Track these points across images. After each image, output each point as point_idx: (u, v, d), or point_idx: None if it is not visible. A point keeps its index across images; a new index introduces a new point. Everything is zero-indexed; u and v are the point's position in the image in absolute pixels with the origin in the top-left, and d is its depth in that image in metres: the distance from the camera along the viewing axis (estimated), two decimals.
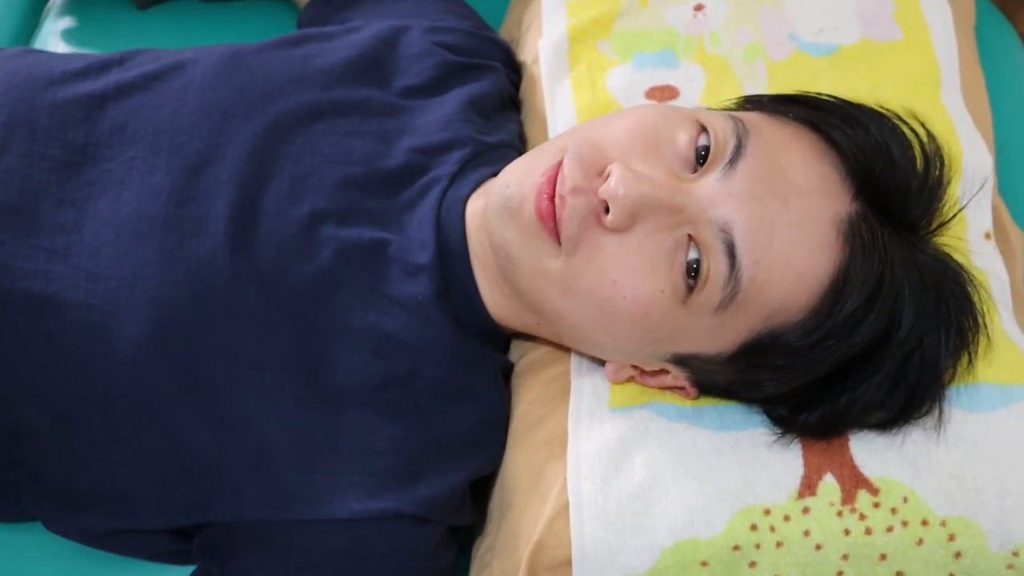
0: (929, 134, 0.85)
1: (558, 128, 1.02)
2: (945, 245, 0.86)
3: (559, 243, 0.79)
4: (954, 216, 0.85)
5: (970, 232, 0.95)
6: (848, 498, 0.79)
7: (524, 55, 1.11)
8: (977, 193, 0.93)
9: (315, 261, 0.85)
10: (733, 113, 0.82)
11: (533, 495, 0.85)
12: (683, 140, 0.79)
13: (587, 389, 0.89)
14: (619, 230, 0.77)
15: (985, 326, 0.84)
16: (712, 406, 0.86)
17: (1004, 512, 0.79)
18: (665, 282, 0.77)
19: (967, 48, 1.05)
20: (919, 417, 0.82)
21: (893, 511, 0.79)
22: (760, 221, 0.76)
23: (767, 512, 0.79)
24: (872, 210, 0.80)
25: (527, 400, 0.91)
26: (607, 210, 0.77)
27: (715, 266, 0.76)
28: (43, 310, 0.83)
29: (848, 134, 0.81)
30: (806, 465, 0.81)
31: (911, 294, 0.79)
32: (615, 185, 0.76)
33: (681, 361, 0.83)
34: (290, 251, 0.85)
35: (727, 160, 0.78)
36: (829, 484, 0.80)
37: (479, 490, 0.92)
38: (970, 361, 0.84)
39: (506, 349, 0.96)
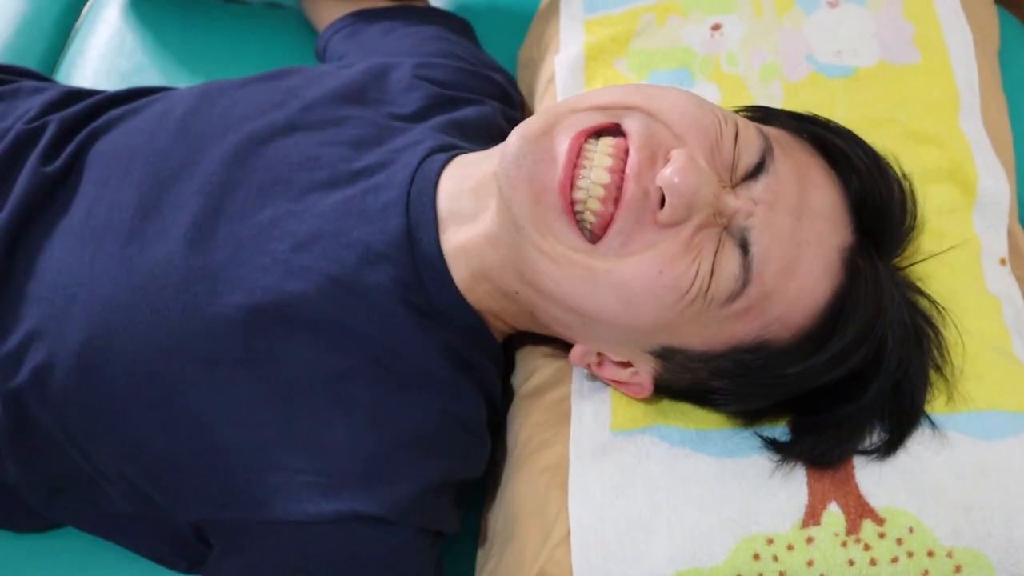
0: (903, 174, 0.89)
1: None
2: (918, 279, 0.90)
3: (600, 238, 0.78)
4: (904, 247, 0.89)
5: (984, 257, 0.94)
6: (853, 528, 0.79)
7: (542, 74, 1.11)
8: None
9: (271, 255, 0.85)
10: (762, 127, 0.83)
11: (535, 521, 0.85)
12: (727, 146, 0.80)
13: (588, 413, 0.88)
14: (674, 224, 0.77)
15: (948, 360, 0.86)
16: (716, 431, 0.86)
17: (1012, 543, 0.78)
18: (704, 269, 0.78)
19: (988, 72, 1.04)
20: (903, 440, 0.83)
21: (899, 541, 0.79)
22: (775, 231, 0.78)
23: (770, 541, 0.79)
24: (865, 243, 0.82)
25: (530, 424, 0.91)
26: (662, 203, 0.77)
27: (730, 258, 0.78)
28: (4, 324, 0.85)
29: (853, 166, 0.83)
30: (811, 494, 0.80)
31: (898, 327, 0.82)
32: (675, 178, 0.75)
33: (664, 354, 0.82)
34: (248, 247, 0.85)
35: (753, 171, 0.80)
36: (834, 513, 0.80)
37: (477, 503, 0.92)
38: (949, 397, 0.85)
39: (500, 362, 0.94)
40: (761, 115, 0.89)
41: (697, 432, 0.85)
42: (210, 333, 0.82)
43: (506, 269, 0.82)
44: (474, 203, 0.85)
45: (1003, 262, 0.95)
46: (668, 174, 0.76)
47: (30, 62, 1.27)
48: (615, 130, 0.79)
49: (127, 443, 0.83)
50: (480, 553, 0.92)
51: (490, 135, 1.01)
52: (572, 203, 0.77)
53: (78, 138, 0.93)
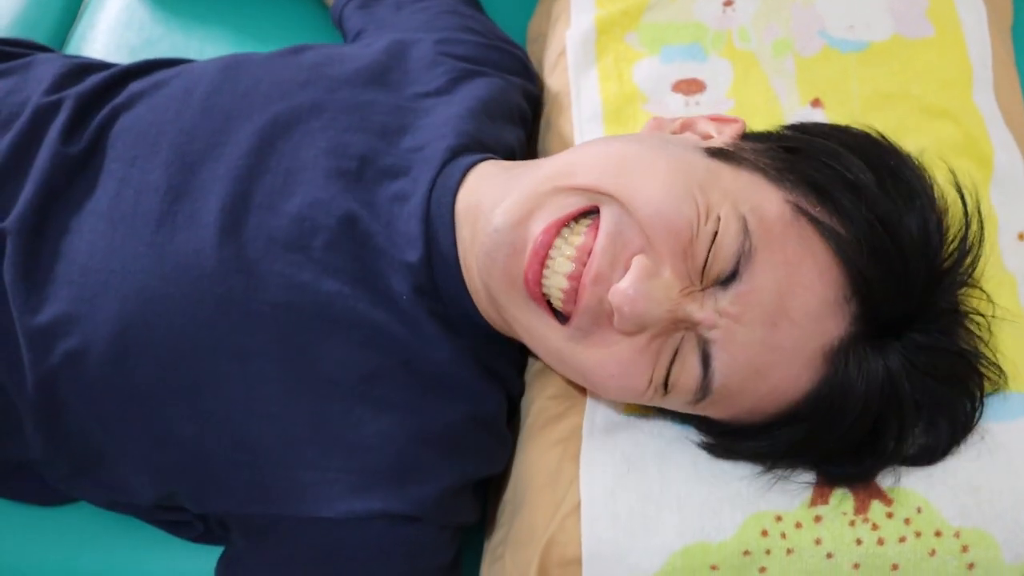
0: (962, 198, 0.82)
1: (583, 119, 1.01)
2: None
3: (557, 320, 0.80)
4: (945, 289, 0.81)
5: (1002, 235, 0.93)
6: (861, 508, 0.79)
7: (551, 48, 1.10)
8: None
9: (304, 251, 0.85)
10: (752, 218, 0.76)
11: (546, 492, 0.85)
12: (701, 249, 0.76)
13: None
14: (628, 334, 0.78)
15: (979, 416, 0.82)
16: None
17: (1019, 524, 0.78)
18: (658, 376, 0.78)
19: (1001, 48, 1.03)
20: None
21: (906, 521, 0.79)
22: (740, 345, 0.76)
23: (778, 519, 0.79)
24: (867, 326, 0.77)
25: (544, 396, 0.92)
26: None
27: (689, 372, 0.78)
28: (32, 300, 0.84)
29: (863, 242, 0.76)
30: (819, 473, 0.80)
31: (894, 409, 0.78)
32: (620, 300, 0.75)
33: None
34: (279, 241, 0.85)
35: (725, 279, 0.76)
36: (842, 493, 0.80)
37: (491, 483, 0.93)
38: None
39: (514, 355, 0.94)
40: (792, 145, 0.82)
41: None
42: (245, 328, 0.82)
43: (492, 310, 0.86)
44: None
45: (1021, 237, 0.94)
46: (620, 289, 0.75)
47: (39, 36, 1.27)
48: (594, 210, 0.79)
49: (157, 432, 0.83)
50: (490, 521, 0.93)
51: (511, 114, 1.01)
52: (541, 292, 0.79)
53: (99, 116, 0.92)
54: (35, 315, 0.84)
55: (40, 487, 0.94)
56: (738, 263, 0.75)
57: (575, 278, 0.78)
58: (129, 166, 0.89)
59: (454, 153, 0.91)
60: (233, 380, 0.82)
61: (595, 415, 0.87)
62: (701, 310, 0.76)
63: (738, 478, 0.81)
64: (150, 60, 1.01)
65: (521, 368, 0.95)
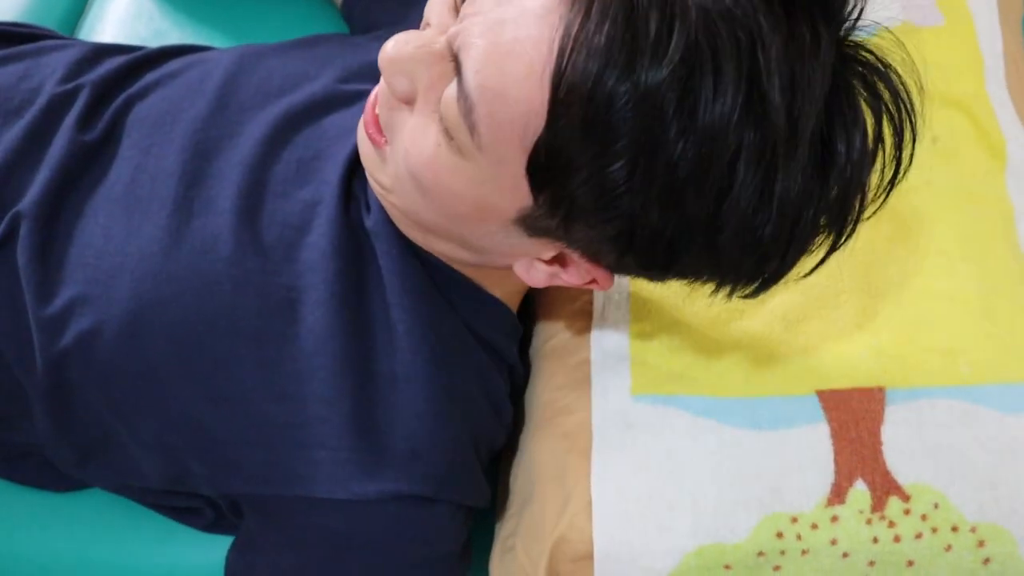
0: None
1: None
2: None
3: (386, 144, 0.78)
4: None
5: (1019, 221, 0.92)
6: (878, 505, 0.79)
7: None
8: None
9: (315, 232, 0.85)
10: None
11: (556, 487, 0.85)
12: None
13: (609, 380, 0.88)
14: (404, 100, 0.75)
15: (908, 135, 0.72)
16: (740, 399, 0.85)
17: None
18: (437, 131, 0.73)
19: (1011, 39, 1.02)
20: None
21: (923, 518, 0.78)
22: (483, 32, 0.68)
23: (794, 520, 0.79)
24: None
25: (551, 387, 0.91)
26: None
27: (449, 89, 0.71)
28: (47, 287, 0.85)
29: None
30: (837, 471, 0.80)
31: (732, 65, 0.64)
32: (380, 55, 0.74)
33: (531, 229, 0.76)
34: (294, 226, 0.85)
35: None
36: (859, 491, 0.79)
37: (499, 469, 0.92)
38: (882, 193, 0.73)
39: (517, 334, 0.94)
40: None
41: (720, 401, 0.84)
42: (261, 311, 0.83)
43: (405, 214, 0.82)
44: None
45: None
46: (381, 53, 0.74)
47: (48, 26, 1.26)
48: None
49: (171, 413, 0.84)
50: (499, 510, 0.93)
51: None
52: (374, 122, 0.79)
53: (115, 104, 0.93)
54: (49, 297, 0.84)
55: (48, 472, 0.95)
56: None
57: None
58: (144, 153, 0.89)
59: None
60: (248, 362, 0.82)
61: (604, 409, 0.86)
62: (448, 31, 0.72)
63: (753, 478, 0.80)
64: (164, 47, 1.01)
65: (518, 339, 0.94)
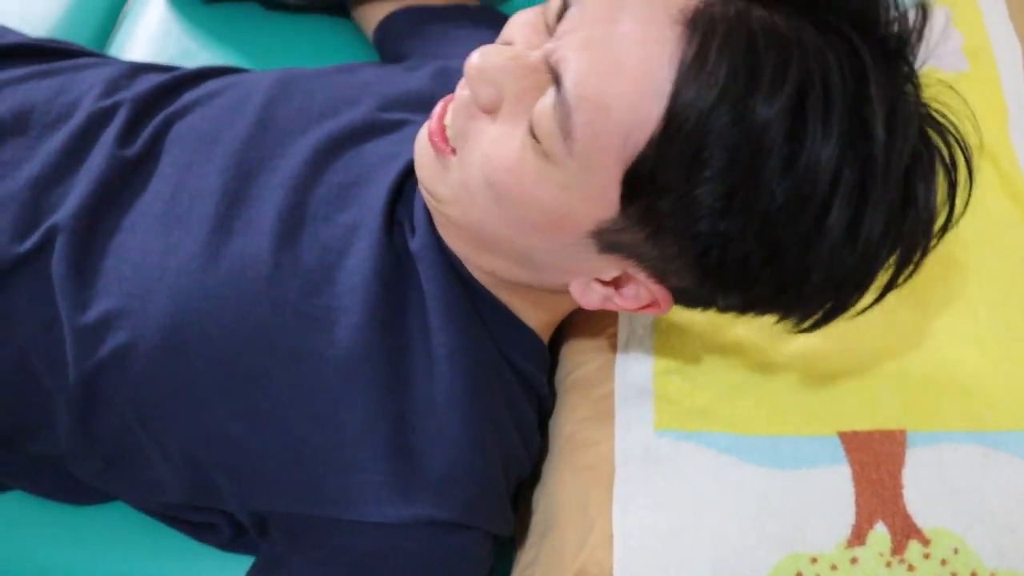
0: None
1: None
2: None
3: (452, 154, 0.79)
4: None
5: None
6: (898, 548, 0.79)
7: None
8: None
9: (356, 256, 0.86)
10: None
11: (577, 519, 0.85)
12: (540, 13, 0.76)
13: (632, 415, 0.88)
14: (487, 109, 0.76)
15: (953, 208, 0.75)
16: (764, 438, 0.85)
17: None
18: (524, 135, 0.74)
19: None
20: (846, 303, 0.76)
21: (943, 562, 0.79)
22: (584, 46, 0.70)
23: (814, 560, 0.79)
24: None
25: (574, 420, 0.92)
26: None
27: (545, 99, 0.72)
28: (83, 297, 0.86)
29: None
30: (858, 513, 0.80)
31: (825, 103, 0.67)
32: (468, 63, 0.75)
33: (607, 245, 0.77)
34: (334, 250, 0.86)
35: (559, 13, 0.74)
36: (880, 533, 0.79)
37: (519, 498, 0.93)
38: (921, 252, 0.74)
39: (547, 366, 0.94)
40: None
41: (743, 438, 0.85)
42: (298, 332, 0.83)
43: (468, 246, 0.84)
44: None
45: None
46: (469, 58, 0.75)
47: (79, 43, 1.27)
48: None
49: (204, 429, 0.84)
50: (519, 539, 0.93)
51: None
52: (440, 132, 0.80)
53: (155, 122, 0.94)
54: (85, 310, 0.85)
55: (67, 484, 0.96)
56: None
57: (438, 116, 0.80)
58: (185, 171, 0.90)
59: None
60: (285, 381, 0.83)
61: (626, 444, 0.87)
62: (542, 46, 0.74)
63: (774, 517, 0.81)
64: (202, 68, 1.03)
65: (547, 371, 0.95)
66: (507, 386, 0.89)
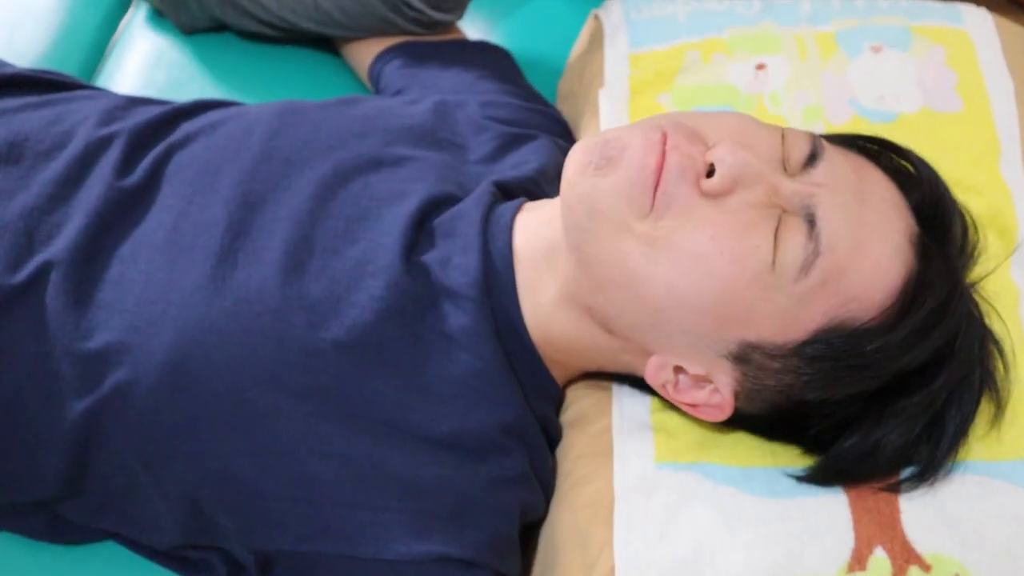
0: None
1: None
2: None
3: (652, 204, 0.79)
4: (966, 263, 0.90)
5: (1022, 307, 0.95)
6: (899, 573, 0.79)
7: (584, 106, 1.11)
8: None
9: (367, 291, 0.85)
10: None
11: (578, 556, 0.85)
12: (772, 143, 0.82)
13: (630, 449, 0.88)
14: (717, 195, 0.79)
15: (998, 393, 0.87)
16: (760, 469, 0.85)
17: None
18: (762, 240, 0.78)
19: None
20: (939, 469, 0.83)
21: None
22: (841, 209, 0.80)
23: None
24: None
25: (571, 457, 0.91)
26: (709, 174, 0.79)
27: (796, 231, 0.79)
28: (81, 328, 0.84)
29: (913, 175, 0.88)
30: (857, 538, 0.80)
31: (970, 318, 0.84)
32: (723, 152, 0.79)
33: (742, 354, 0.81)
34: (342, 283, 0.85)
35: (807, 160, 0.82)
36: (880, 559, 0.79)
37: (522, 539, 0.92)
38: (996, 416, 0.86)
39: (556, 399, 0.94)
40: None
41: (742, 471, 0.85)
42: (305, 366, 0.82)
43: (576, 285, 0.85)
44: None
45: None
46: (718, 151, 0.79)
47: (67, 72, 1.26)
48: None
49: (208, 467, 0.82)
50: None
51: (556, 178, 1.02)
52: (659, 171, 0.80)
53: (155, 152, 0.93)
54: (84, 343, 0.83)
55: (58, 525, 0.93)
56: (814, 147, 0.82)
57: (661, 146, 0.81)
58: (187, 202, 0.89)
59: (495, 197, 0.93)
60: (292, 417, 0.81)
61: (625, 477, 0.86)
62: (795, 183, 0.80)
63: (774, 544, 0.80)
64: (201, 100, 1.02)
65: (557, 410, 0.95)
66: (529, 432, 0.88)
